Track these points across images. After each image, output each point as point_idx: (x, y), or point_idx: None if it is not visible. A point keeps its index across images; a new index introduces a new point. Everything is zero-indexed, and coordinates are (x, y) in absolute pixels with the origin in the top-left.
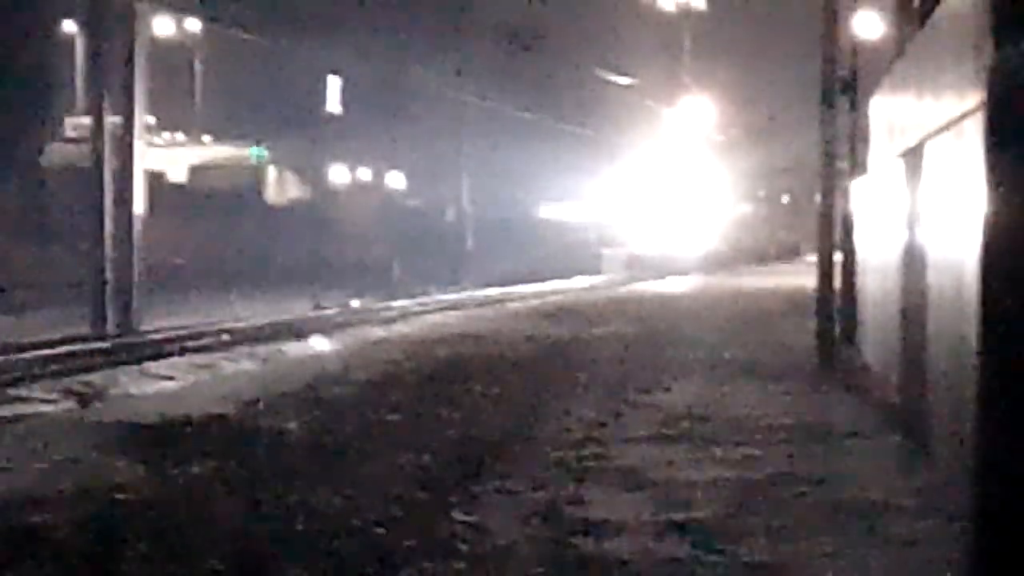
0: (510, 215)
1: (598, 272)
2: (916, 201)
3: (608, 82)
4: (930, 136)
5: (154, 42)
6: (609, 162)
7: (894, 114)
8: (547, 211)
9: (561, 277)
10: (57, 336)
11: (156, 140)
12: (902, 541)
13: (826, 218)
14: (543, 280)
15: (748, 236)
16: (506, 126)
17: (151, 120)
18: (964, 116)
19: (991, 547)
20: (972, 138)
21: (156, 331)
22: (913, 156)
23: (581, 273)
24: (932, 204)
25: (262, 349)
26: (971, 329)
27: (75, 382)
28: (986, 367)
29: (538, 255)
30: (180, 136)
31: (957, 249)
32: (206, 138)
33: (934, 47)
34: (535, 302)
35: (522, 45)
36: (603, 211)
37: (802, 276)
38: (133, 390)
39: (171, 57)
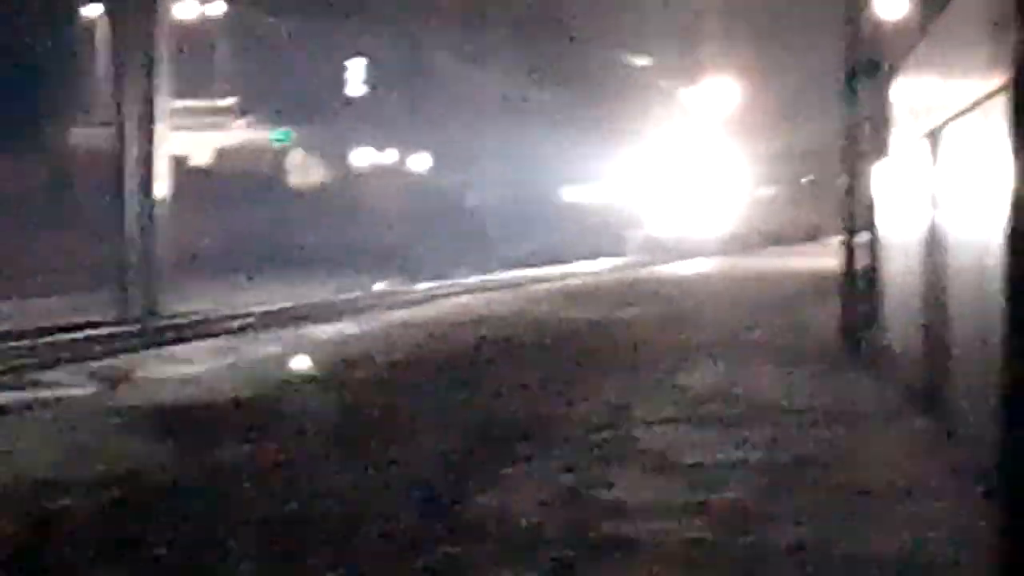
0: (532, 197)
1: (621, 254)
2: (939, 182)
3: (628, 64)
4: (954, 117)
5: (177, 26)
6: (630, 144)
7: (917, 95)
8: (569, 193)
9: (584, 259)
10: (82, 320)
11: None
12: (928, 522)
13: (849, 200)
14: (566, 262)
15: (770, 218)
16: (529, 108)
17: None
18: (989, 96)
19: (1016, 527)
20: (997, 119)
21: (180, 315)
22: (936, 137)
23: (604, 255)
24: (955, 185)
25: (286, 333)
26: (995, 311)
27: (100, 366)
28: (1012, 347)
29: (561, 237)
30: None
31: (981, 230)
32: (238, 121)
33: (958, 27)
34: (558, 284)
35: (543, 28)
36: (625, 193)
37: (825, 258)
38: (157, 374)
39: (194, 41)
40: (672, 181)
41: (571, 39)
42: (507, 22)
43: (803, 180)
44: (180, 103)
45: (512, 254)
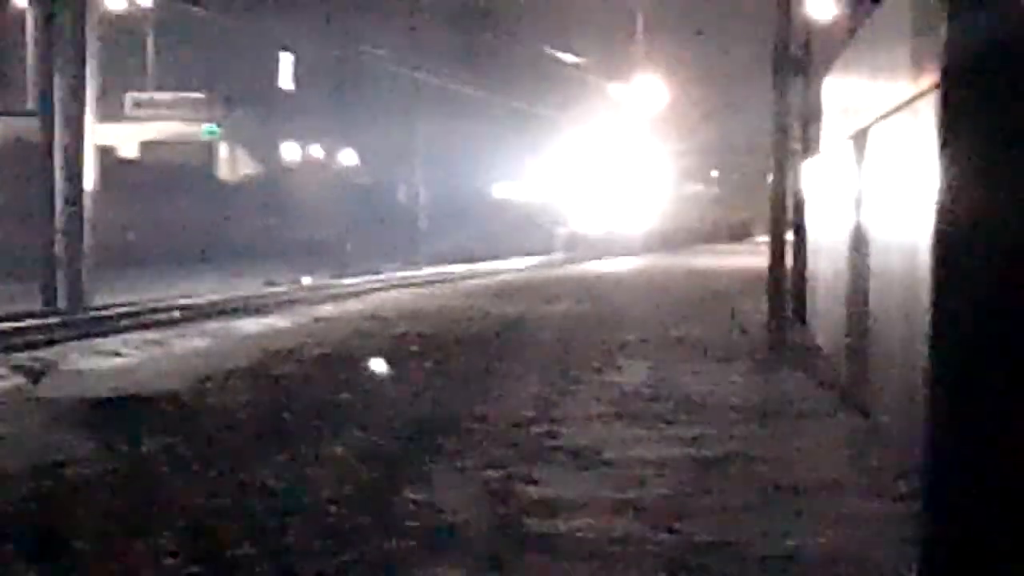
0: (463, 194)
1: (551, 251)
2: (867, 181)
3: (558, 61)
4: (883, 117)
5: (106, 17)
6: (560, 141)
7: (847, 94)
8: (500, 190)
9: (513, 256)
10: (6, 312)
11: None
12: (851, 520)
13: (778, 198)
14: (495, 259)
15: (700, 215)
16: (459, 105)
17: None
18: (918, 96)
19: (938, 525)
20: (926, 118)
21: (107, 307)
22: (865, 136)
23: (533, 252)
24: (884, 185)
25: (213, 326)
26: (920, 311)
27: (25, 358)
28: (936, 347)
29: (490, 234)
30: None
31: (908, 230)
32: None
33: (888, 27)
34: (486, 280)
35: (474, 23)
36: (554, 190)
37: (754, 256)
38: (83, 366)
39: (124, 32)
40: (600, 178)
41: (501, 35)
42: (440, 17)
43: (736, 178)
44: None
45: (442, 250)
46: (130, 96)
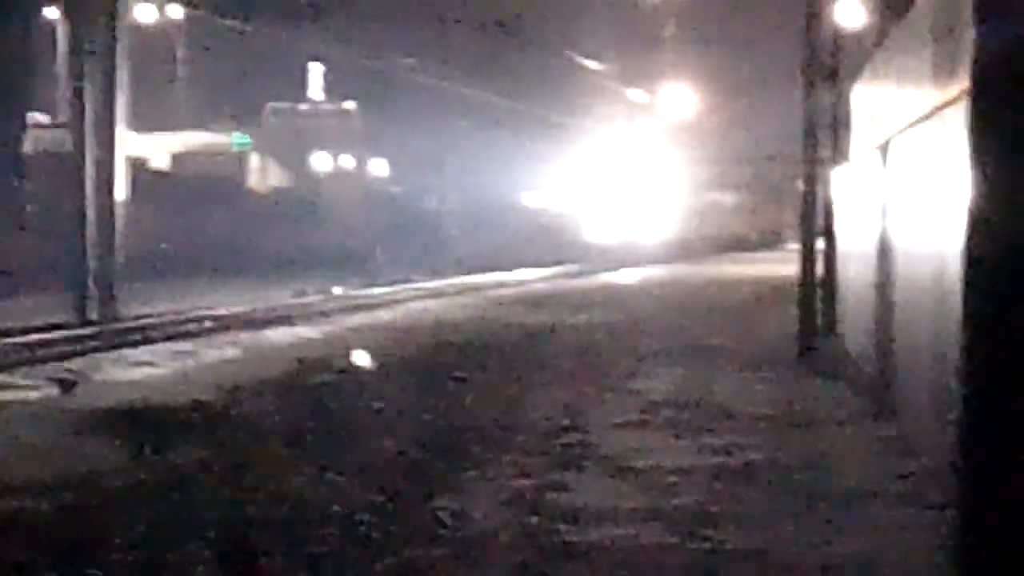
0: (492, 203)
1: (579, 259)
2: (896, 189)
3: (584, 68)
4: (912, 124)
5: (136, 29)
6: (588, 150)
7: (876, 102)
8: (529, 199)
9: (543, 265)
10: (39, 323)
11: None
12: (883, 528)
13: (808, 206)
14: (524, 267)
15: (728, 224)
16: (488, 114)
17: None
18: (947, 104)
19: (972, 533)
20: (955, 126)
21: (138, 318)
22: (895, 144)
23: (563, 260)
24: (913, 192)
25: (244, 336)
26: (952, 320)
27: (57, 369)
28: (969, 356)
29: (520, 243)
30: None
31: (938, 237)
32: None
33: (917, 34)
34: (516, 289)
35: (504, 33)
36: (584, 199)
37: (784, 265)
38: (115, 377)
39: (154, 44)
40: (630, 186)
41: (528, 43)
42: (467, 27)
43: (765, 186)
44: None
45: (472, 259)
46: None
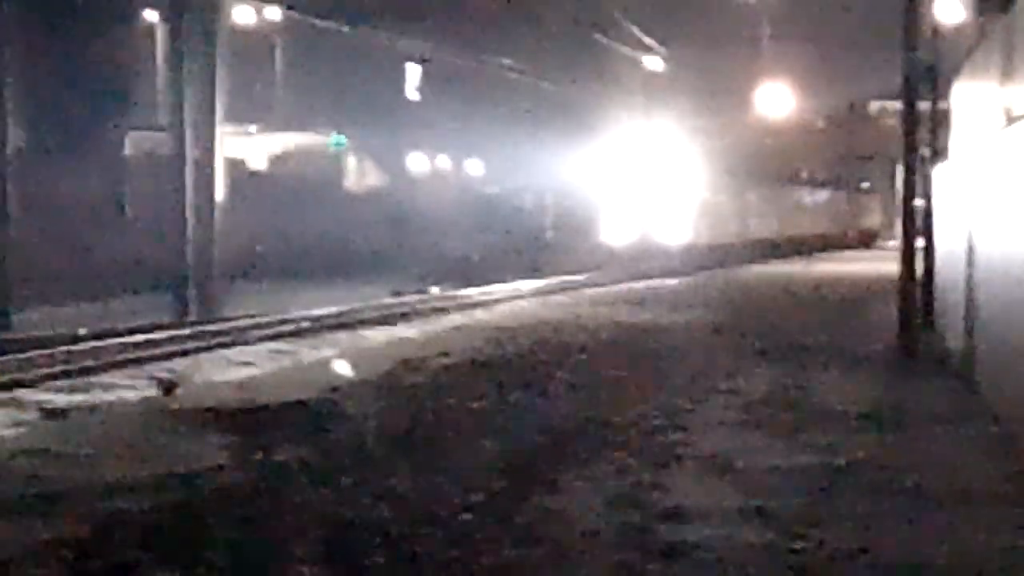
0: (585, 203)
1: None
2: (998, 186)
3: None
4: (1015, 120)
5: (235, 30)
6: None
7: (976, 99)
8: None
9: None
10: (139, 323)
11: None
12: (984, 528)
13: (908, 204)
14: (623, 267)
15: (828, 222)
16: (583, 114)
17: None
18: None
19: None
20: None
21: (237, 318)
22: (998, 140)
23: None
24: (1014, 189)
25: (342, 336)
26: None
27: (158, 369)
28: None
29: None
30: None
31: None
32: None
33: (1019, 30)
34: (613, 288)
35: (596, 32)
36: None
37: (884, 263)
38: (215, 377)
39: (252, 45)
40: (730, 187)
41: (617, 40)
42: (563, 26)
43: (864, 184)
44: None
45: (569, 259)
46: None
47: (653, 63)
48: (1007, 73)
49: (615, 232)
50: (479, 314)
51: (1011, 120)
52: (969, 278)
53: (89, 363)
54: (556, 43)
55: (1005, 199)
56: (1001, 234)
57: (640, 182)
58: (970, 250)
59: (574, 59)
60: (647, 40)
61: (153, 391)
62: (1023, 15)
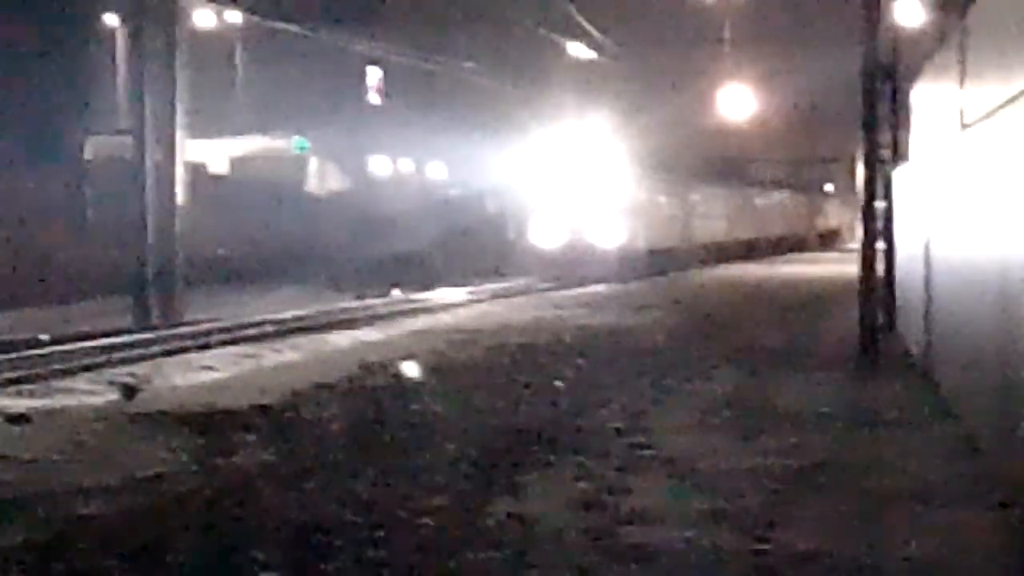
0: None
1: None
2: (958, 187)
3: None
4: (974, 122)
5: (196, 34)
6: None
7: (936, 101)
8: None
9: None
10: (100, 328)
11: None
12: (946, 529)
13: (868, 206)
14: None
15: (788, 224)
16: (541, 115)
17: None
18: (1012, 100)
19: None
20: (1021, 122)
21: (199, 322)
22: (954, 144)
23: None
24: (975, 191)
25: (304, 340)
26: (1017, 321)
27: (119, 373)
28: None
29: None
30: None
31: (1001, 238)
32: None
33: (980, 32)
34: (576, 291)
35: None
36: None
37: (846, 264)
38: (177, 381)
39: (213, 49)
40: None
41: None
42: (520, 29)
43: (825, 187)
44: None
45: (532, 262)
46: None
47: (608, 62)
48: (962, 77)
49: (546, 234)
50: (442, 317)
51: (965, 125)
52: (928, 280)
53: (50, 368)
54: (516, 45)
55: (960, 203)
56: (957, 237)
57: (578, 181)
58: (928, 252)
59: (533, 60)
60: (599, 37)
61: (115, 396)
62: (978, 18)
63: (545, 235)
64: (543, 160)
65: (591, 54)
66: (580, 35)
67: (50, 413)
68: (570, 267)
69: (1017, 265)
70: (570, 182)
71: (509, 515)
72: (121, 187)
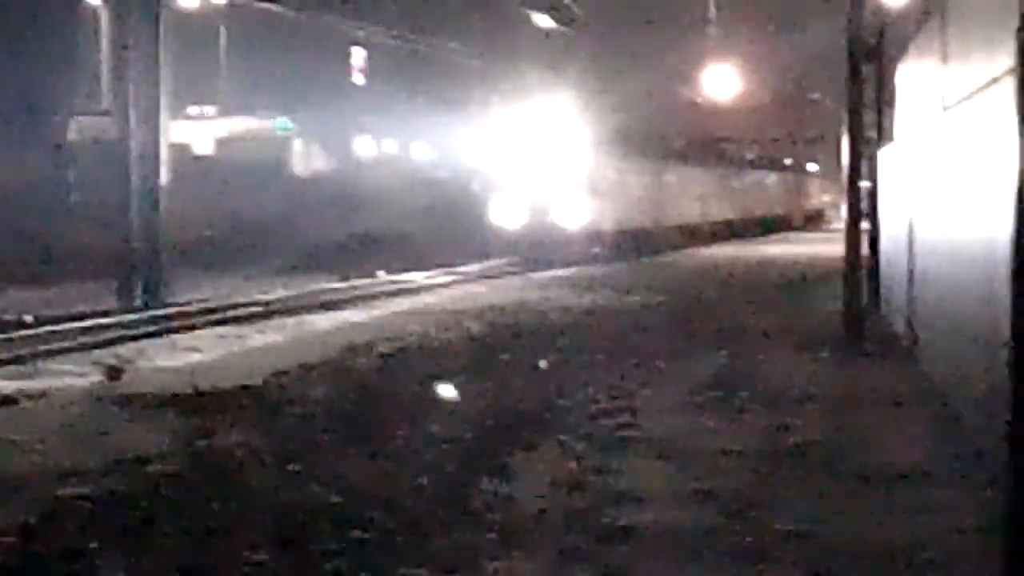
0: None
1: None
2: (943, 167)
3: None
4: (958, 102)
5: (180, 14)
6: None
7: (919, 82)
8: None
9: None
10: (85, 309)
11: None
12: (932, 509)
13: (853, 186)
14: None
15: (770, 204)
16: (532, 98)
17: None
18: (994, 81)
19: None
20: (1003, 103)
21: (183, 303)
22: (937, 124)
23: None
24: (959, 171)
25: (289, 321)
26: (999, 302)
27: (104, 355)
28: (1020, 334)
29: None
30: (208, 109)
31: (985, 217)
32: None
33: (963, 11)
34: (561, 272)
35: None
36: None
37: (832, 245)
38: (161, 362)
39: (197, 29)
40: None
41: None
42: (503, 9)
43: (810, 167)
44: None
45: (517, 243)
46: None
47: (581, 36)
48: (944, 58)
49: (509, 215)
50: (427, 297)
51: (946, 107)
52: (912, 260)
53: (35, 349)
54: (490, 19)
55: (942, 183)
56: (939, 217)
57: (542, 160)
58: (911, 232)
59: (506, 35)
60: (579, 12)
61: (99, 377)
62: (959, 0)
63: (508, 216)
64: (510, 138)
65: (560, 27)
66: (551, 8)
67: (34, 395)
68: (533, 250)
69: (1000, 245)
70: (534, 161)
71: (495, 495)
72: (106, 168)
